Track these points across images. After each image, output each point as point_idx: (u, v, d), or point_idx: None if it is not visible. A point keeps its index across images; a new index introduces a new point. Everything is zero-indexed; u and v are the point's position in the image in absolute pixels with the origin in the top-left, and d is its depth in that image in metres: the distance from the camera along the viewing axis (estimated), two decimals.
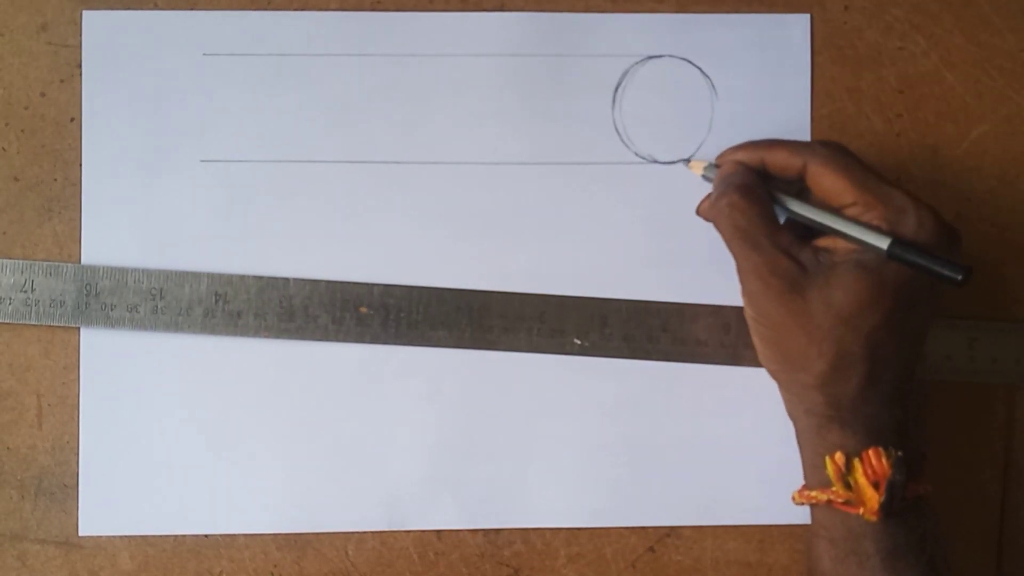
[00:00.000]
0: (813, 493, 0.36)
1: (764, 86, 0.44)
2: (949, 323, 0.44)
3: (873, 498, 0.34)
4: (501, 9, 0.43)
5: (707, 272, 0.43)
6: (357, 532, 0.43)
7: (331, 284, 0.42)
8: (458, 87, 0.43)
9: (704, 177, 0.40)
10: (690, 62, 0.44)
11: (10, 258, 0.42)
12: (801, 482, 0.38)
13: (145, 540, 0.42)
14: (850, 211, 0.36)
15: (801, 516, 0.43)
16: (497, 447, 0.43)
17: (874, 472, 0.34)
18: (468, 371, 0.43)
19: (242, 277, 0.42)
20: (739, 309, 0.43)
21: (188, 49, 0.43)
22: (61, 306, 0.42)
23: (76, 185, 0.42)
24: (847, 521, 0.35)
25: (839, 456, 0.35)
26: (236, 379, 0.43)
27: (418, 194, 0.43)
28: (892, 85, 0.44)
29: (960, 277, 0.33)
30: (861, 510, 0.35)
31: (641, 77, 0.44)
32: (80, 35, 0.42)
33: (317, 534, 0.43)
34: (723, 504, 0.43)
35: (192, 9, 0.43)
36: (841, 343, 0.35)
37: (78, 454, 0.42)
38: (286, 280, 0.42)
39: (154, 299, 0.42)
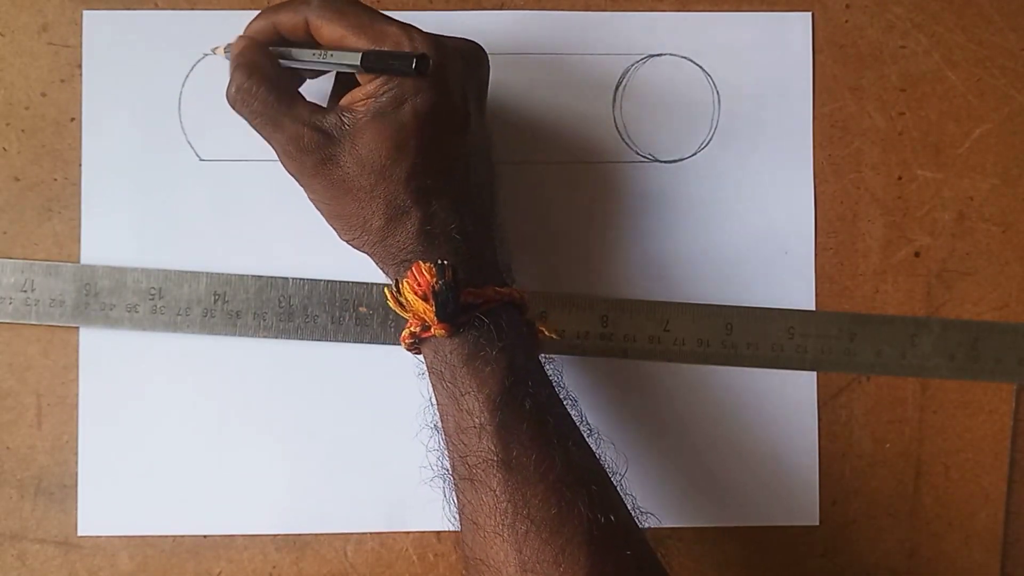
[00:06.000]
0: (404, 333, 0.35)
1: (766, 84, 0.44)
2: (952, 323, 0.43)
3: (427, 310, 0.33)
4: (501, 8, 0.43)
5: (708, 272, 0.43)
6: (356, 533, 0.43)
7: (330, 283, 0.42)
8: None
9: (228, 58, 0.39)
10: (691, 61, 0.44)
11: (10, 258, 0.42)
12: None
13: (144, 540, 0.42)
14: None
15: (805, 518, 0.43)
16: None
17: (419, 285, 0.33)
18: None
19: (241, 277, 0.42)
20: (740, 309, 0.43)
21: (188, 49, 0.43)
22: (61, 306, 0.42)
23: (76, 185, 0.42)
24: (437, 348, 0.34)
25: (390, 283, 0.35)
26: (235, 379, 0.43)
27: None
28: (894, 83, 0.44)
29: (413, 65, 0.33)
30: (433, 329, 0.34)
31: (642, 76, 0.43)
32: (80, 35, 0.42)
33: (316, 535, 0.42)
34: (724, 506, 0.43)
35: (192, 9, 0.43)
36: (388, 197, 0.34)
37: (77, 454, 0.42)
38: (285, 280, 0.42)
39: (153, 299, 0.42)
